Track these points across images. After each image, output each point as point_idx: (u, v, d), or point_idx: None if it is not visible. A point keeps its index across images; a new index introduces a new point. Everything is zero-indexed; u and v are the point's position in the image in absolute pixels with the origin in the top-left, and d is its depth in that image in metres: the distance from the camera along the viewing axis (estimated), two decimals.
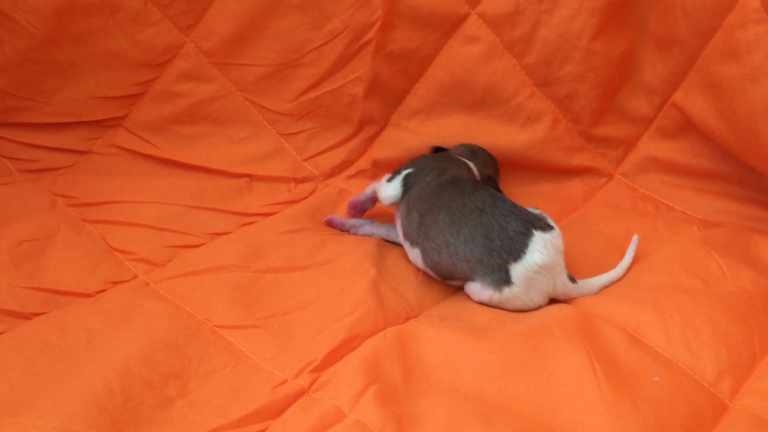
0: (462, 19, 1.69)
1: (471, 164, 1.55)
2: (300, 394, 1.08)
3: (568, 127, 1.73)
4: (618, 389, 1.06)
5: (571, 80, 1.69)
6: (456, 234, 1.27)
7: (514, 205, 1.32)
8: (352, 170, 1.76)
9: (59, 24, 1.62)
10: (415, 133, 1.75)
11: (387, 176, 1.51)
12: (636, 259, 1.43)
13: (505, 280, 1.24)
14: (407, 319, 1.25)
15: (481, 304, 1.28)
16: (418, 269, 1.39)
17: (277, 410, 1.05)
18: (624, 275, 1.37)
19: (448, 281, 1.34)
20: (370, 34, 1.66)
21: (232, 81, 1.73)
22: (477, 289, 1.27)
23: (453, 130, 1.74)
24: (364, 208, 1.55)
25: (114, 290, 1.31)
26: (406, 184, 1.44)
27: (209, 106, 1.73)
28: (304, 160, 1.75)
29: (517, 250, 1.24)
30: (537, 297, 1.25)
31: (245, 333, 1.20)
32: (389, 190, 1.45)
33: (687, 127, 1.67)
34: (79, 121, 1.71)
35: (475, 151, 1.64)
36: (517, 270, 1.24)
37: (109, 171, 1.67)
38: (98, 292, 1.30)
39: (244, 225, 1.53)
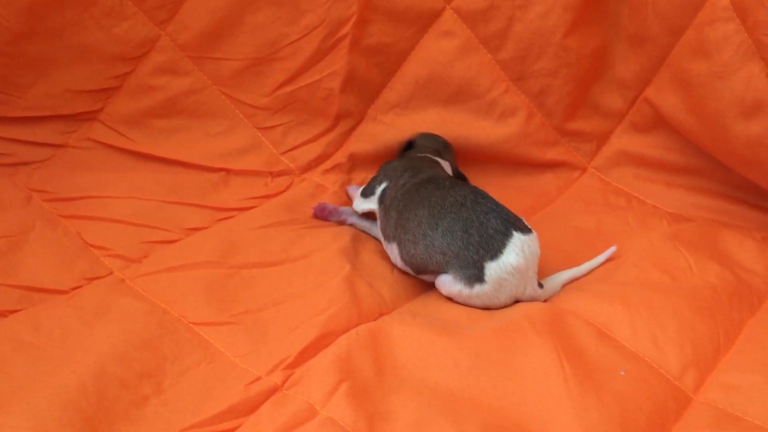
0: (437, 13, 1.70)
1: (444, 162, 1.56)
2: (273, 391, 1.10)
3: (542, 121, 1.75)
4: (584, 384, 1.09)
5: (545, 75, 1.71)
6: (434, 226, 1.28)
7: (496, 203, 1.33)
8: (328, 164, 1.77)
9: (33, 18, 1.61)
10: (391, 126, 1.77)
11: (359, 190, 1.52)
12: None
13: (477, 277, 1.26)
14: (381, 315, 1.26)
15: (448, 297, 1.29)
16: (393, 265, 1.40)
17: (250, 407, 1.07)
18: (587, 274, 1.38)
19: (422, 275, 1.35)
20: (345, 29, 1.67)
21: (208, 75, 1.73)
22: (448, 281, 1.28)
23: (429, 123, 1.76)
24: (330, 216, 1.54)
25: (89, 287, 1.31)
26: (383, 195, 1.45)
27: (185, 99, 1.73)
28: (281, 153, 1.76)
29: (495, 249, 1.25)
30: (504, 298, 1.27)
31: (220, 330, 1.21)
32: (365, 205, 1.48)
33: (659, 122, 1.69)
34: (54, 114, 1.70)
35: (445, 145, 1.66)
36: (491, 269, 1.25)
37: (85, 165, 1.67)
38: (73, 288, 1.31)
39: (220, 220, 1.54)
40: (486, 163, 1.77)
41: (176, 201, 1.54)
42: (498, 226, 1.26)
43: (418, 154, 1.57)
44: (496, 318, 1.24)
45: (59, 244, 1.41)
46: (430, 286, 1.38)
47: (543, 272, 1.37)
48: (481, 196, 1.33)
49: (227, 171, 1.69)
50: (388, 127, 1.77)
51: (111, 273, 1.36)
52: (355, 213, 1.52)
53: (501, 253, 1.25)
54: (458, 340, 1.16)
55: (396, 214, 1.36)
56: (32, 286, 1.28)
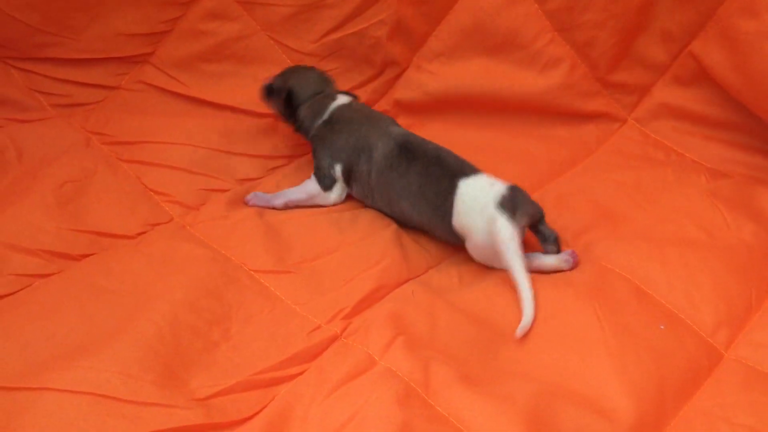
0: None
1: (341, 97, 1.54)
2: (333, 339, 1.18)
3: (585, 72, 1.76)
4: (623, 341, 1.16)
5: (591, 27, 1.72)
6: (419, 213, 1.35)
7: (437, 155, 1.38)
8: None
9: None
10: (435, 75, 1.80)
11: (315, 186, 1.47)
12: (646, 209, 1.51)
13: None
14: (428, 268, 1.33)
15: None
16: None
17: (313, 354, 1.15)
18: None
19: None
20: None
21: (257, 20, 1.76)
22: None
23: (473, 73, 1.78)
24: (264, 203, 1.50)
25: (153, 232, 1.39)
26: (347, 178, 1.46)
27: (234, 44, 1.77)
28: None
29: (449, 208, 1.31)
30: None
31: (279, 278, 1.29)
32: (333, 196, 1.47)
33: (701, 77, 1.71)
34: (107, 57, 1.75)
35: (318, 78, 1.59)
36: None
37: (138, 108, 1.72)
38: (139, 233, 1.38)
39: (271, 169, 1.60)
40: (528, 113, 1.80)
41: (229, 150, 1.60)
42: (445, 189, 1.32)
43: (336, 116, 1.52)
44: (536, 275, 1.30)
45: (121, 189, 1.48)
46: None
47: (582, 223, 1.42)
48: (428, 156, 1.37)
49: (276, 117, 1.73)
50: (432, 76, 1.80)
51: (172, 219, 1.44)
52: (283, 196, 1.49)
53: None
54: (499, 303, 1.23)
55: (386, 206, 1.43)
56: (101, 231, 1.36)
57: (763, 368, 1.17)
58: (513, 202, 1.28)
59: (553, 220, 1.48)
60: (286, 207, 1.47)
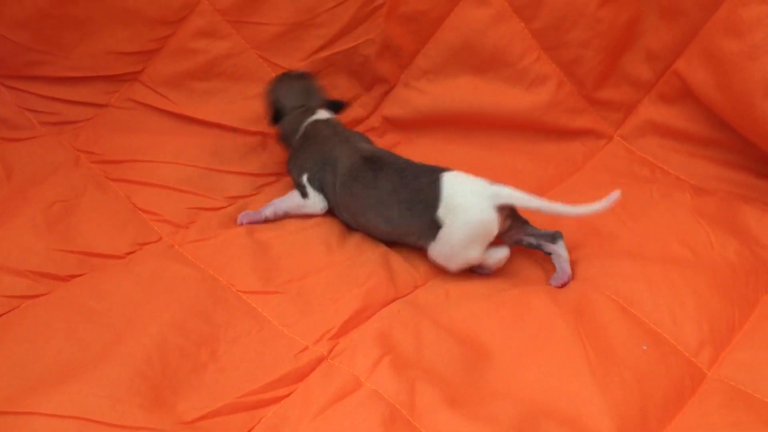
0: None
1: (318, 113, 1.56)
2: (320, 360, 1.19)
3: (571, 90, 1.79)
4: (606, 362, 1.18)
5: (577, 45, 1.74)
6: (389, 221, 1.38)
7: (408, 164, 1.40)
8: (362, 127, 1.83)
9: None
10: (423, 92, 1.82)
11: (298, 195, 1.50)
12: (631, 227, 1.52)
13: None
14: (415, 288, 1.35)
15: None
16: None
17: (300, 375, 1.16)
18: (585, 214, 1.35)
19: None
20: None
21: (246, 39, 1.77)
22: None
23: (460, 90, 1.80)
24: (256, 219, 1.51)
25: (142, 252, 1.40)
26: (319, 187, 1.48)
27: (224, 62, 1.78)
28: None
29: (434, 198, 1.33)
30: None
31: (267, 298, 1.30)
32: (316, 201, 1.48)
33: (686, 94, 1.73)
34: (96, 75, 1.76)
35: (307, 90, 1.61)
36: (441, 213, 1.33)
37: (127, 125, 1.73)
38: (127, 253, 1.39)
39: (260, 186, 1.61)
40: (515, 130, 1.82)
41: (218, 168, 1.61)
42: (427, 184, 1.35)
43: (308, 132, 1.54)
44: (522, 294, 1.32)
45: (110, 208, 1.49)
46: None
47: (568, 240, 1.44)
48: (400, 167, 1.39)
49: (264, 134, 1.75)
50: (420, 93, 1.82)
51: (161, 239, 1.44)
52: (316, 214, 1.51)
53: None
54: (487, 320, 1.24)
55: (350, 217, 1.45)
56: (90, 251, 1.37)
57: (745, 388, 1.19)
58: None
59: None
60: (276, 217, 1.50)
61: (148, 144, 1.67)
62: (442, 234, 1.32)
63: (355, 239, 1.43)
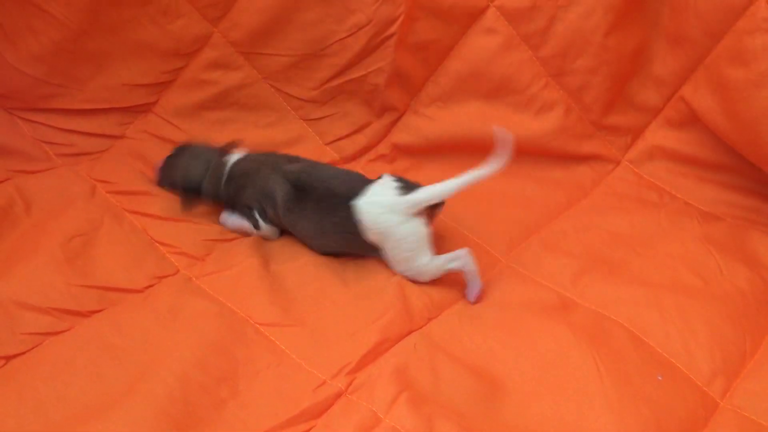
0: (481, 11, 1.75)
1: (228, 157, 1.57)
2: (338, 395, 1.21)
3: (579, 116, 1.81)
4: (622, 391, 1.19)
5: (584, 72, 1.77)
6: (331, 244, 1.46)
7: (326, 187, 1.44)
8: (372, 154, 1.85)
9: (92, 15, 1.67)
10: (432, 119, 1.84)
11: (247, 225, 1.54)
12: (641, 254, 1.54)
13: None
14: (429, 320, 1.37)
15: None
16: None
17: (319, 411, 1.18)
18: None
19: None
20: (393, 28, 1.73)
21: (258, 69, 1.80)
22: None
23: (469, 117, 1.83)
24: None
25: (160, 285, 1.42)
26: (265, 217, 1.52)
27: (236, 93, 1.81)
28: (327, 144, 1.85)
29: (358, 228, 1.39)
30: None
31: (284, 331, 1.32)
32: (267, 231, 1.54)
33: (693, 120, 1.75)
34: (111, 107, 1.79)
35: (196, 152, 1.60)
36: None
37: (142, 157, 1.75)
38: (146, 287, 1.41)
39: None
40: (524, 156, 1.81)
41: None
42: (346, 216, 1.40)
43: (234, 173, 1.55)
44: (535, 322, 1.34)
45: (127, 240, 1.51)
46: None
47: (578, 266, 1.48)
48: (323, 193, 1.44)
49: None
50: (429, 120, 1.84)
51: (178, 271, 1.46)
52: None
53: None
54: (500, 352, 1.26)
55: (301, 238, 1.51)
56: (109, 286, 1.39)
57: (757, 418, 1.20)
58: (410, 187, 1.40)
59: (549, 262, 1.52)
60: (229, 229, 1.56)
61: None
62: (385, 254, 1.40)
63: (371, 270, 1.45)
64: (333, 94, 1.82)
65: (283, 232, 1.56)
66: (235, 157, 1.57)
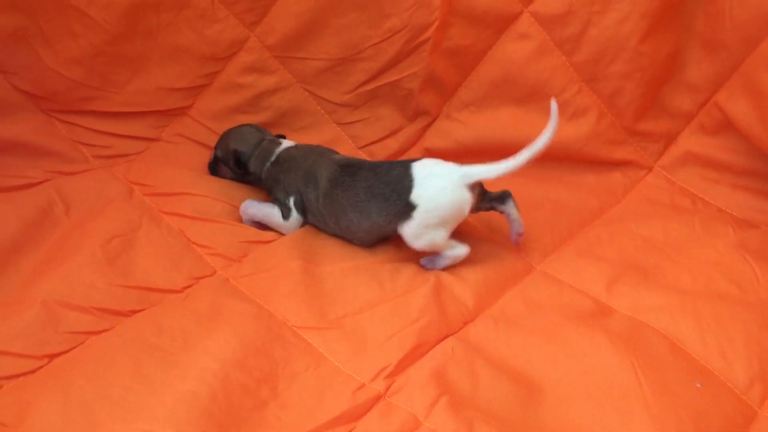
0: (515, 17, 1.76)
1: (283, 142, 1.66)
2: (377, 399, 1.22)
3: (612, 121, 1.81)
4: (662, 400, 1.19)
5: (618, 78, 1.77)
6: (369, 216, 1.48)
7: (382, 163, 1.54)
8: (404, 158, 1.86)
9: (131, 20, 1.69)
10: (465, 124, 1.85)
11: (278, 213, 1.59)
12: (675, 260, 1.54)
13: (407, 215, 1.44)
14: (465, 324, 1.37)
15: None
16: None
17: (358, 414, 1.19)
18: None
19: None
20: (428, 33, 1.74)
21: (293, 73, 1.82)
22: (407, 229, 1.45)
23: (501, 122, 1.83)
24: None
25: (198, 286, 1.43)
26: (300, 208, 1.57)
27: (271, 97, 1.83)
28: (360, 148, 1.86)
29: (406, 187, 1.44)
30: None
31: (322, 334, 1.33)
32: (292, 225, 1.58)
33: (727, 126, 1.75)
34: (147, 110, 1.80)
35: (253, 131, 1.70)
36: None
37: (177, 159, 1.77)
38: (185, 287, 1.43)
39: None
40: (556, 162, 1.84)
41: (266, 199, 1.64)
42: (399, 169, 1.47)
43: (283, 157, 1.63)
44: (572, 327, 1.34)
45: (165, 242, 1.52)
46: (508, 285, 1.48)
47: (612, 273, 1.48)
48: (375, 167, 1.52)
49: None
50: (461, 125, 1.85)
51: (215, 272, 1.48)
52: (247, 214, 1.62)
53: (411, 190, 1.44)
54: (537, 357, 1.27)
55: (334, 223, 1.54)
56: (149, 286, 1.40)
57: None
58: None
59: (584, 268, 1.52)
60: (250, 220, 1.60)
61: (198, 177, 1.71)
62: (417, 213, 1.42)
63: (406, 273, 1.46)
64: (366, 98, 1.83)
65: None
66: (286, 144, 1.64)
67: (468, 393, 1.20)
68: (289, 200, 1.57)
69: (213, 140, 1.79)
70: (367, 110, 1.85)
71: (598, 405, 1.19)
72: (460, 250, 1.47)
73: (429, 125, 1.86)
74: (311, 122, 1.85)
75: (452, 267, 1.49)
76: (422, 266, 1.49)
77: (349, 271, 1.47)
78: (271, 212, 1.59)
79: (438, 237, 1.44)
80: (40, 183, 1.64)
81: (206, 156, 1.78)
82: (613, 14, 1.70)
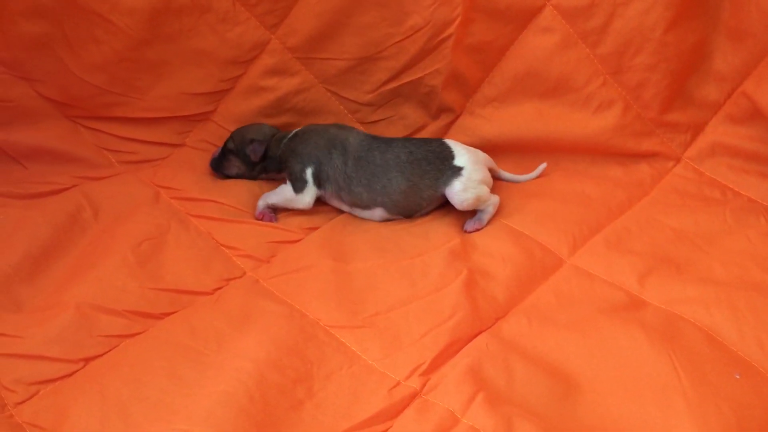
0: (538, 10, 1.75)
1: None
2: (413, 396, 1.21)
3: (638, 113, 1.79)
4: (702, 392, 1.17)
5: (643, 69, 1.75)
6: (410, 176, 1.58)
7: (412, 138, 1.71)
8: None
9: (153, 25, 1.70)
10: (489, 120, 1.84)
11: (290, 189, 1.63)
12: (708, 252, 1.52)
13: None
14: (497, 320, 1.36)
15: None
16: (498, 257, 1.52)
17: (395, 412, 1.18)
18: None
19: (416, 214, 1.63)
20: (450, 30, 1.73)
21: (315, 74, 1.82)
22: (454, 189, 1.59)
23: (525, 117, 1.82)
24: (272, 212, 1.64)
25: (229, 287, 1.44)
26: (317, 181, 1.60)
27: (293, 98, 1.83)
28: None
29: (448, 155, 1.60)
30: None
31: (354, 333, 1.33)
32: (306, 198, 1.62)
33: (755, 114, 1.73)
34: (171, 116, 1.81)
35: (269, 127, 1.75)
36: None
37: (202, 165, 1.78)
38: (215, 289, 1.43)
39: (334, 215, 1.64)
40: (582, 155, 1.83)
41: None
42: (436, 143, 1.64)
43: (301, 131, 1.69)
44: (606, 321, 1.32)
45: (194, 244, 1.53)
46: (539, 280, 1.46)
47: (644, 265, 1.47)
48: (407, 140, 1.66)
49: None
50: (485, 121, 1.84)
51: (245, 273, 1.48)
52: (304, 208, 1.65)
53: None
54: (573, 352, 1.26)
55: (364, 189, 1.59)
56: (180, 289, 1.41)
57: None
58: None
59: (615, 261, 1.51)
60: (268, 208, 1.62)
61: (223, 183, 1.71)
62: (465, 172, 1.58)
63: (436, 268, 1.45)
64: (389, 97, 1.83)
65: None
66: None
67: (504, 389, 1.19)
68: (305, 172, 1.60)
69: None
70: (390, 109, 1.84)
71: (637, 399, 1.17)
72: (496, 198, 1.62)
73: (453, 122, 1.86)
74: (334, 122, 1.84)
75: (481, 263, 1.48)
76: (468, 231, 1.58)
77: (378, 269, 1.46)
78: (283, 190, 1.63)
79: (482, 191, 1.59)
80: (67, 188, 1.65)
81: None
82: (637, 5, 1.69)
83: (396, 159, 1.59)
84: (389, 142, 1.63)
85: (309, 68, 1.80)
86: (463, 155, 1.61)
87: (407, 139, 1.65)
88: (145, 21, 1.69)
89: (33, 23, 1.64)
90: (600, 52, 1.74)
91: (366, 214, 1.63)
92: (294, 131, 1.69)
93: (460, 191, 1.57)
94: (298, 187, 1.61)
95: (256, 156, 1.69)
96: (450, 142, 1.65)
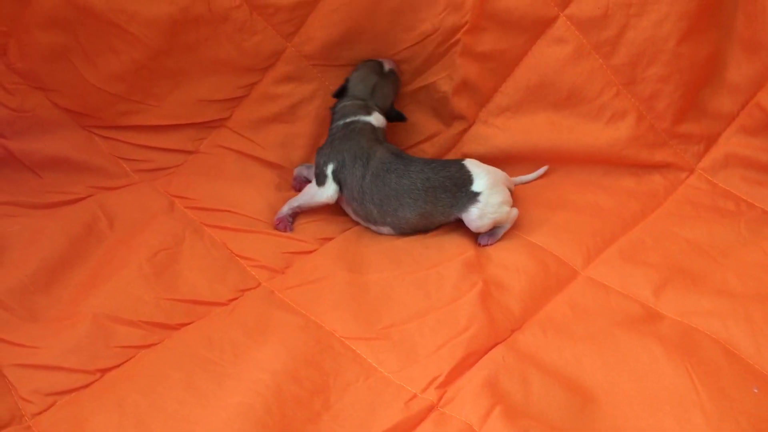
0: (551, 21, 1.75)
1: (373, 116, 1.68)
2: (430, 409, 1.21)
3: (651, 124, 1.79)
4: (720, 406, 1.17)
5: (656, 80, 1.75)
6: (423, 204, 1.56)
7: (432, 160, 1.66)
8: None
9: (172, 35, 1.70)
10: (502, 129, 1.84)
11: (313, 185, 1.64)
12: (722, 264, 1.52)
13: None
14: (512, 332, 1.36)
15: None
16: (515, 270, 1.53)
17: (412, 424, 1.18)
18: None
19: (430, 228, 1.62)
20: (458, 35, 1.74)
21: (330, 81, 1.82)
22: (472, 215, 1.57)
23: (539, 127, 1.82)
24: (290, 222, 1.64)
25: (244, 298, 1.44)
26: (337, 179, 1.61)
27: (308, 105, 1.83)
28: None
29: (466, 180, 1.58)
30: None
31: (370, 345, 1.33)
32: (328, 191, 1.62)
33: None
34: (187, 123, 1.82)
35: (374, 87, 1.72)
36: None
37: (216, 171, 1.78)
38: (230, 300, 1.44)
39: (347, 229, 1.65)
40: (595, 166, 1.83)
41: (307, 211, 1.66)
42: (454, 166, 1.61)
43: (353, 127, 1.66)
44: (622, 334, 1.32)
45: (209, 255, 1.53)
46: (553, 292, 1.46)
47: (659, 278, 1.47)
48: (428, 161, 1.63)
49: None
50: (498, 130, 1.84)
51: (260, 284, 1.48)
52: (326, 203, 1.65)
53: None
54: (589, 365, 1.26)
55: (375, 208, 1.58)
56: (195, 299, 1.41)
57: None
58: None
59: (630, 273, 1.51)
60: (294, 213, 1.63)
61: (237, 189, 1.72)
62: (482, 198, 1.56)
63: (451, 279, 1.45)
64: (404, 102, 1.84)
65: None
66: (373, 118, 1.68)
67: (521, 402, 1.19)
68: (327, 167, 1.61)
69: (251, 150, 1.81)
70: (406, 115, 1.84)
71: (655, 412, 1.17)
72: (515, 212, 1.61)
73: (466, 130, 1.86)
74: None
75: (496, 274, 1.48)
76: (482, 245, 1.58)
77: (393, 280, 1.47)
78: (308, 188, 1.65)
79: (500, 215, 1.58)
80: (83, 198, 1.66)
81: (245, 166, 1.79)
82: (650, 16, 1.69)
83: (411, 186, 1.56)
84: (408, 164, 1.59)
85: (324, 74, 1.81)
86: (482, 179, 1.57)
87: (426, 163, 1.61)
88: (164, 31, 1.70)
89: (49, 34, 1.65)
90: (613, 63, 1.75)
91: (374, 228, 1.63)
92: (352, 119, 1.67)
93: (476, 218, 1.55)
94: (320, 180, 1.62)
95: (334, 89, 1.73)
96: (470, 164, 1.60)
